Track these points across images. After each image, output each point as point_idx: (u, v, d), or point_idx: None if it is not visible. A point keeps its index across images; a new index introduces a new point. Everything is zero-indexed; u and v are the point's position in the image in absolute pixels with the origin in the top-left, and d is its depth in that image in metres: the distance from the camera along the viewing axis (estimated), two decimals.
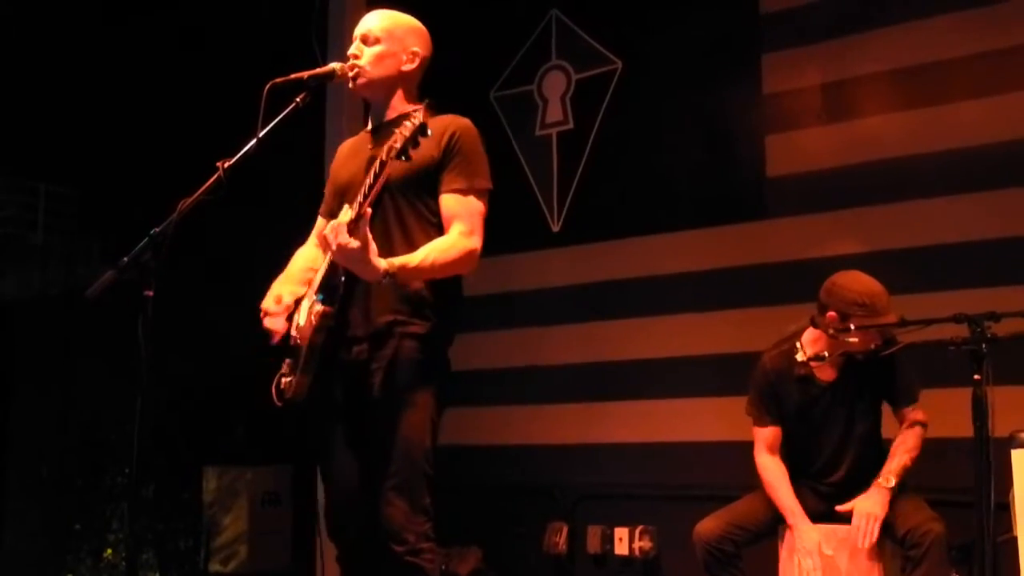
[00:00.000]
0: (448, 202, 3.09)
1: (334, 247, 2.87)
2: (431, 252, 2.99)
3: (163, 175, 4.85)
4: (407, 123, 2.81)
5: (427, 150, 3.06)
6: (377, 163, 2.85)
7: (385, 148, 2.82)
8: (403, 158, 2.82)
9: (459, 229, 3.05)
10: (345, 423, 3.16)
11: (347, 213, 2.86)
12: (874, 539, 3.69)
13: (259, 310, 3.22)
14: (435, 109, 3.06)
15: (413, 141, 2.80)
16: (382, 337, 3.05)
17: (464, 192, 3.09)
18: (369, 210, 2.84)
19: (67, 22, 6.32)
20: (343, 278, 3.04)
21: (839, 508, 3.83)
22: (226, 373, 6.24)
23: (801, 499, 3.95)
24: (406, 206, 3.10)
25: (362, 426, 3.11)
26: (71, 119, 6.24)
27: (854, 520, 3.73)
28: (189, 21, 6.48)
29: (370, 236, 2.84)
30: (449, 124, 3.15)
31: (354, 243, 2.81)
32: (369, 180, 2.86)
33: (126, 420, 5.66)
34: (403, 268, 2.91)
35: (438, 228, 3.10)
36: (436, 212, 3.11)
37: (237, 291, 4.02)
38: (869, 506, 3.73)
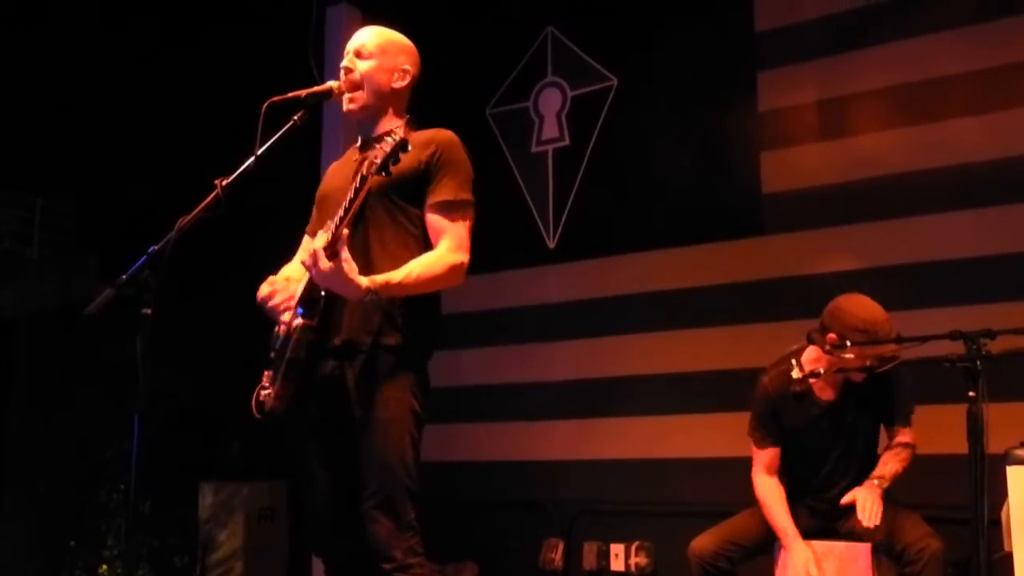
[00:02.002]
0: (434, 217, 3.10)
1: (313, 273, 2.89)
2: (415, 267, 2.99)
3: (160, 190, 4.86)
4: (388, 139, 2.84)
5: (408, 161, 3.08)
6: (358, 179, 2.86)
7: (365, 163, 2.84)
8: (383, 173, 2.84)
9: (446, 244, 3.06)
10: (320, 438, 3.16)
11: (322, 238, 2.88)
12: (878, 520, 3.68)
13: (255, 324, 3.22)
14: (415, 125, 3.08)
15: (394, 157, 2.83)
16: (355, 350, 3.05)
17: (449, 206, 3.09)
18: (346, 231, 2.85)
19: (65, 37, 6.33)
20: (323, 292, 3.04)
21: (844, 501, 3.82)
22: (222, 389, 6.23)
23: (797, 516, 3.95)
24: (385, 217, 3.10)
25: (338, 442, 3.10)
26: (68, 134, 6.24)
27: (858, 502, 3.72)
28: (187, 37, 6.49)
29: (349, 256, 2.85)
30: (432, 137, 3.16)
31: (332, 266, 2.82)
32: (350, 195, 2.87)
33: (122, 436, 5.65)
34: (386, 284, 2.91)
35: (417, 239, 3.10)
36: (415, 223, 3.11)
37: (233, 307, 4.03)
38: (865, 493, 3.74)
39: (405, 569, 2.97)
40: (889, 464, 3.87)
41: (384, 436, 3.00)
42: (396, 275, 2.94)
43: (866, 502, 3.71)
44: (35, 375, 6.67)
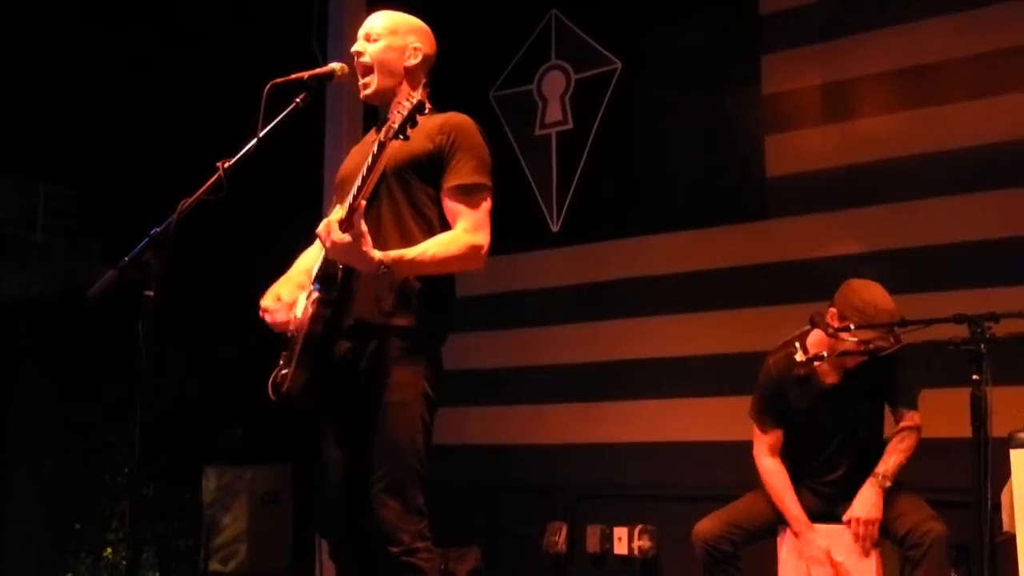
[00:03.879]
0: (451, 200, 3.09)
1: (327, 245, 2.89)
2: (430, 246, 2.99)
3: (163, 174, 4.86)
4: (404, 102, 2.83)
5: (425, 143, 3.08)
6: (375, 145, 2.86)
7: (383, 130, 2.84)
8: (401, 137, 2.83)
9: (463, 225, 3.05)
10: (334, 420, 3.17)
11: (339, 211, 2.89)
12: (873, 541, 3.71)
13: (259, 308, 3.22)
14: (429, 90, 3.06)
15: (411, 120, 2.81)
16: (369, 331, 3.05)
17: (466, 189, 3.08)
18: (363, 203, 2.85)
19: (68, 21, 6.33)
20: (340, 268, 3.05)
21: (844, 518, 3.84)
22: (226, 373, 6.25)
23: (799, 498, 3.96)
24: (402, 197, 3.10)
25: (352, 421, 3.11)
26: (71, 118, 6.24)
27: (852, 528, 3.76)
28: (189, 21, 6.49)
29: (365, 228, 2.85)
30: (448, 120, 3.15)
31: (346, 238, 2.83)
32: (368, 162, 2.87)
33: (126, 419, 5.67)
34: (399, 260, 2.91)
35: (432, 221, 3.10)
36: (431, 205, 3.11)
37: (237, 290, 4.03)
38: (865, 511, 3.75)
39: (412, 553, 2.98)
40: (892, 457, 3.87)
41: (395, 419, 3.01)
42: (410, 252, 2.95)
43: (860, 527, 3.75)
44: (39, 359, 6.69)
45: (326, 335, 3.06)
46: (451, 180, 3.09)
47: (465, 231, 3.05)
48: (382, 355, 3.04)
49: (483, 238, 3.07)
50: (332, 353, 3.09)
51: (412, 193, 3.11)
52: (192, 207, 2.85)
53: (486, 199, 3.11)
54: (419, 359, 3.06)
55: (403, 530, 2.97)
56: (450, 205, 3.09)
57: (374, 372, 3.04)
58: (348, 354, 3.07)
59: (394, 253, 2.92)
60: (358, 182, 2.88)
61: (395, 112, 2.83)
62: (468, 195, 3.08)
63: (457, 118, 3.17)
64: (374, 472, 3.01)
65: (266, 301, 3.21)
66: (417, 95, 2.86)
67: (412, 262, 2.94)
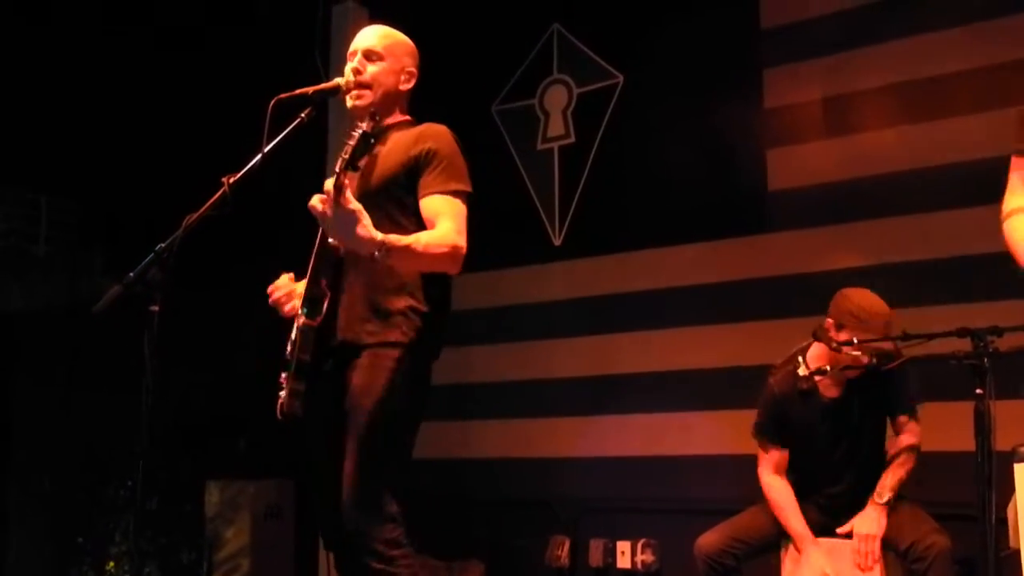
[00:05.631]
0: (430, 203, 3.10)
1: (330, 213, 2.81)
2: (423, 235, 3.00)
3: (165, 187, 4.87)
4: (354, 132, 2.86)
5: (404, 157, 3.12)
6: (336, 176, 2.86)
7: (338, 160, 2.86)
8: (351, 169, 2.86)
9: (449, 225, 3.05)
10: (327, 434, 3.17)
11: (329, 184, 2.85)
12: (876, 558, 3.71)
13: (262, 325, 3.24)
14: (378, 120, 3.05)
15: (359, 153, 2.86)
16: (354, 348, 3.07)
17: (444, 194, 3.10)
18: (347, 181, 2.83)
19: (69, 34, 6.33)
20: (327, 293, 3.06)
21: (839, 531, 3.85)
22: (229, 387, 6.25)
23: (805, 512, 3.96)
24: (394, 208, 3.13)
25: (340, 434, 3.12)
26: (73, 131, 6.24)
27: (853, 543, 3.76)
28: (192, 34, 6.50)
29: (360, 205, 2.83)
30: (423, 132, 3.19)
31: (353, 204, 2.79)
32: (339, 165, 2.88)
33: (129, 433, 5.66)
34: (396, 243, 2.88)
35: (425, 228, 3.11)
36: (414, 219, 3.12)
37: (241, 306, 4.04)
38: (867, 527, 3.75)
39: (389, 562, 2.98)
40: (892, 473, 3.88)
41: (368, 433, 3.01)
42: (405, 238, 2.94)
43: (862, 543, 3.75)
44: (42, 371, 6.68)
45: (317, 356, 3.08)
46: (428, 188, 3.10)
47: (451, 231, 3.05)
48: (365, 371, 3.06)
49: (463, 241, 3.07)
50: (321, 368, 3.11)
51: (404, 202, 3.13)
52: (197, 223, 2.85)
53: (464, 204, 3.12)
54: (399, 373, 3.05)
55: (375, 539, 2.98)
56: (429, 208, 3.10)
57: (356, 387, 3.06)
58: (336, 369, 3.10)
59: (392, 236, 2.89)
60: (339, 164, 2.88)
61: (347, 144, 2.87)
62: (447, 201, 3.09)
63: (432, 128, 3.20)
64: (342, 472, 3.02)
65: (279, 282, 3.25)
66: (364, 125, 2.88)
67: (406, 248, 2.92)
